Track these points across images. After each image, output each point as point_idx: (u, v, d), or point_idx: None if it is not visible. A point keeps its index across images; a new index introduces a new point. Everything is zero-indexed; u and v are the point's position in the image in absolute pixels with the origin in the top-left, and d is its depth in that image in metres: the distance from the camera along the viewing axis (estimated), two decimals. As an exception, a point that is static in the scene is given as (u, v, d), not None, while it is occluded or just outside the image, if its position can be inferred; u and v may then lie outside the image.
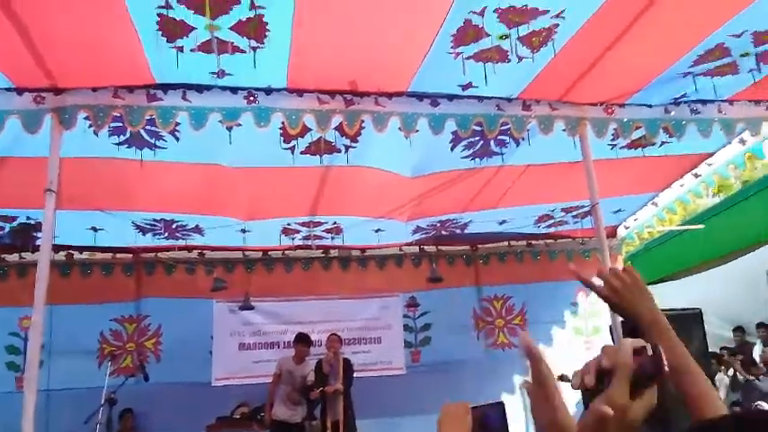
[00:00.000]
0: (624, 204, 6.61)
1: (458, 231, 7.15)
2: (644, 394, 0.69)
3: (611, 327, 4.16)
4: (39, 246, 4.29)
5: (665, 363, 0.69)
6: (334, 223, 6.49)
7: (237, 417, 6.71)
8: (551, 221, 6.95)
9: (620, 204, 6.57)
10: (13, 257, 6.81)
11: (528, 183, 5.56)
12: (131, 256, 7.20)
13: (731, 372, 7.12)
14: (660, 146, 5.08)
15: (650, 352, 0.69)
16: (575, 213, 6.64)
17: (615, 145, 5.03)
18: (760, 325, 7.30)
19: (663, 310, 4.14)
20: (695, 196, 6.15)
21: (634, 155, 5.24)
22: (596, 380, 0.72)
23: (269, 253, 7.56)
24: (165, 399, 6.80)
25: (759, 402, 6.28)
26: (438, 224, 6.83)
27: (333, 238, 6.92)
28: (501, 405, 1.48)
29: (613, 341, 4.11)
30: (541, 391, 0.77)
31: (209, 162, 4.82)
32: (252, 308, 7.17)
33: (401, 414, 7.29)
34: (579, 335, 7.95)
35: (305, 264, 7.81)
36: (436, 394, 7.39)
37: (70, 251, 6.94)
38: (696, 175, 5.94)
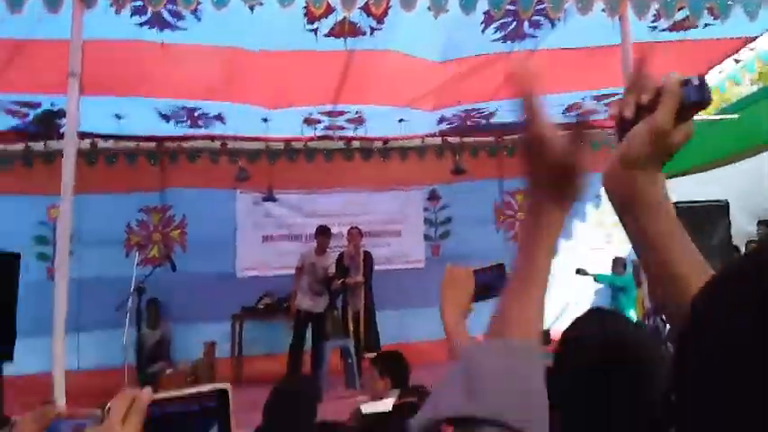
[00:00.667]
0: (660, 92, 6.36)
1: (483, 122, 6.99)
2: (686, 122, 0.70)
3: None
4: (63, 133, 4.28)
5: (710, 92, 0.70)
6: (357, 113, 6.36)
7: (262, 307, 6.95)
8: (581, 110, 6.74)
9: (654, 92, 6.32)
10: (39, 145, 6.79)
11: (560, 68, 5.32)
12: (155, 144, 7.17)
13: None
14: (703, 27, 4.80)
15: (696, 83, 0.69)
16: (607, 101, 6.41)
17: (655, 27, 4.76)
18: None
19: (689, 202, 4.05)
20: (733, 83, 5.89)
21: (673, 38, 4.97)
22: (635, 114, 0.72)
23: (291, 144, 7.50)
24: (192, 288, 7.01)
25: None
26: (463, 113, 6.66)
27: (355, 129, 6.82)
28: (501, 266, 1.47)
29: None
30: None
31: (230, 45, 4.66)
32: (275, 200, 7.22)
33: (420, 306, 7.49)
34: (600, 228, 7.95)
35: (327, 155, 7.77)
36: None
37: (95, 139, 6.92)
38: (737, 61, 5.66)
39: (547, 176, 0.71)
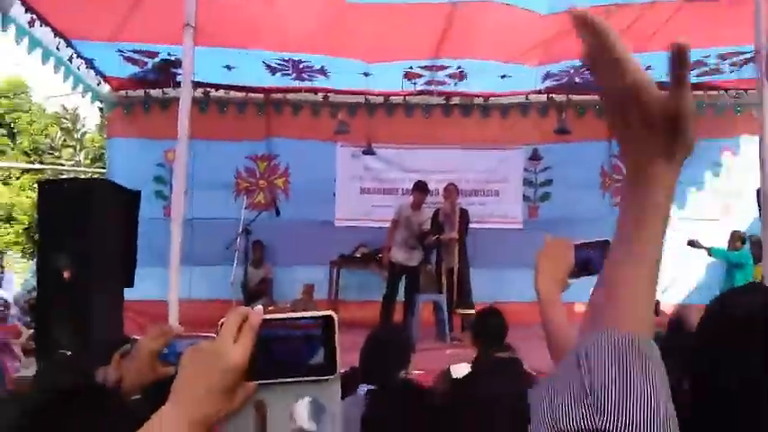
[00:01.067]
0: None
1: (592, 79, 6.60)
2: None
3: (758, 190, 3.76)
4: (179, 82, 4.55)
5: None
6: (459, 68, 6.23)
7: (358, 256, 7.13)
8: (703, 69, 6.20)
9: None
10: (157, 92, 7.28)
11: (682, 22, 4.90)
12: (262, 95, 7.46)
13: None
14: None
15: None
16: (733, 60, 5.85)
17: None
18: None
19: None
20: None
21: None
22: None
23: (390, 98, 7.52)
24: (294, 233, 7.36)
25: None
26: (571, 70, 6.34)
27: (456, 84, 6.71)
28: (606, 242, 1.38)
29: (759, 206, 3.76)
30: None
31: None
32: (373, 153, 7.31)
33: (513, 266, 7.37)
34: (718, 198, 7.39)
35: (425, 110, 7.71)
36: (552, 250, 7.33)
37: (207, 88, 7.30)
38: None
39: (648, 128, 0.58)
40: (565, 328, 1.26)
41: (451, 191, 6.41)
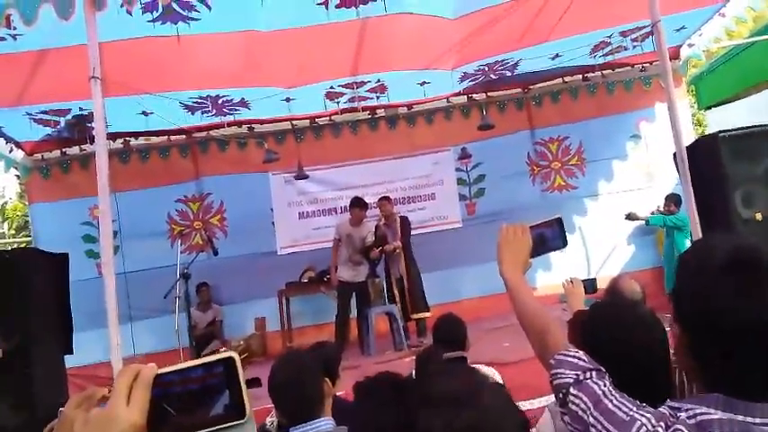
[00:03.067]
0: (687, 21, 6.06)
1: (507, 73, 6.82)
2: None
3: (675, 154, 3.96)
4: (94, 136, 4.38)
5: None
6: (378, 81, 6.28)
7: (306, 280, 7.06)
8: (608, 49, 6.49)
9: (683, 21, 6.03)
10: (74, 150, 7.01)
11: (583, 6, 5.12)
12: (185, 136, 7.30)
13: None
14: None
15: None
16: (634, 36, 6.16)
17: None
18: None
19: (731, 130, 3.85)
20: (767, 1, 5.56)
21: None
22: None
23: (316, 120, 7.50)
24: (237, 270, 7.23)
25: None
26: (486, 67, 6.50)
27: (378, 98, 6.74)
28: (559, 220, 1.47)
29: (678, 172, 3.95)
30: None
31: (244, 29, 4.66)
32: (306, 176, 7.26)
33: (459, 265, 7.51)
34: (642, 167, 7.74)
35: (352, 127, 7.75)
36: (493, 244, 7.43)
37: (126, 138, 7.10)
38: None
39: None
40: (538, 308, 1.32)
41: (384, 203, 6.45)
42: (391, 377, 1.70)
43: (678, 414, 0.93)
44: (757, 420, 0.88)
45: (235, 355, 0.63)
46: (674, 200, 6.65)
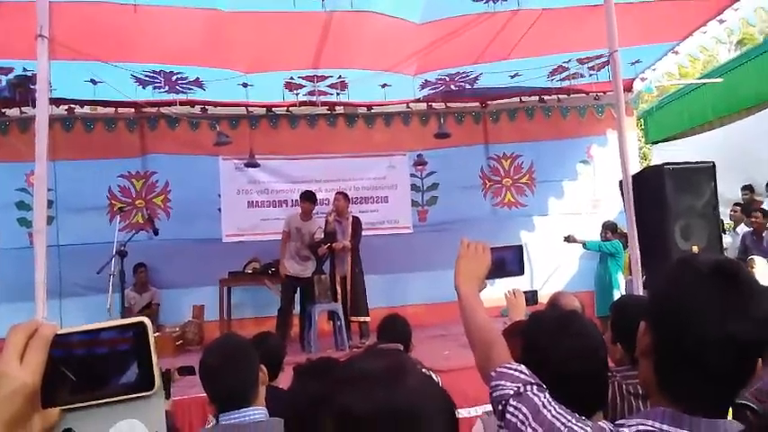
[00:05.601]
0: (642, 54, 6.29)
1: (467, 86, 6.90)
2: None
3: (620, 182, 4.08)
4: (37, 99, 4.17)
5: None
6: (339, 77, 6.25)
7: (249, 271, 6.92)
8: (565, 74, 6.66)
9: (639, 54, 6.25)
10: (14, 112, 6.66)
11: (543, 30, 5.24)
12: (134, 110, 7.05)
13: (741, 227, 7.09)
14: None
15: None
16: (591, 64, 6.33)
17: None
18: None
19: (676, 163, 4.00)
20: (718, 43, 5.83)
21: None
22: None
23: (273, 109, 7.39)
24: (178, 254, 7.03)
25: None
26: (447, 78, 6.56)
27: (338, 94, 6.70)
28: (519, 248, 1.50)
29: (623, 198, 4.07)
30: None
31: (205, 6, 4.55)
32: (257, 165, 7.13)
33: (407, 270, 7.54)
34: (588, 192, 7.95)
35: (310, 121, 7.68)
36: (442, 252, 7.51)
37: (71, 105, 6.80)
38: (721, 21, 5.60)
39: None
40: (487, 321, 1.33)
41: (340, 198, 6.40)
42: (331, 360, 1.66)
43: (621, 429, 0.94)
44: None
45: (146, 320, 0.59)
46: (610, 227, 6.90)
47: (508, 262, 1.49)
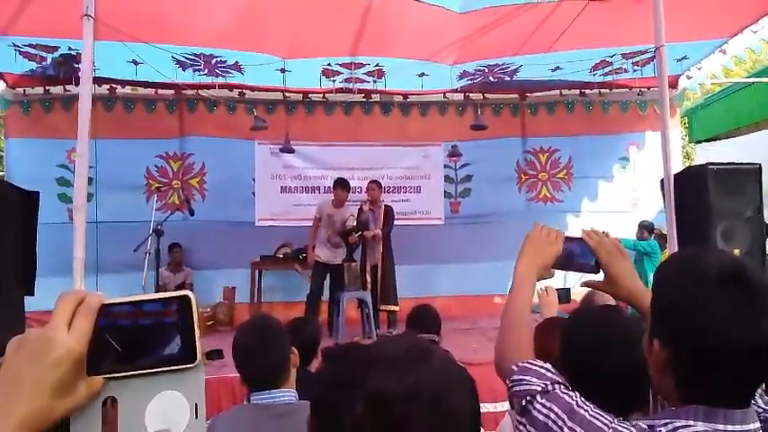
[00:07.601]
0: (689, 51, 6.08)
1: (506, 78, 6.78)
2: None
3: (662, 181, 3.96)
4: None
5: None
6: (377, 65, 6.22)
7: (280, 256, 6.98)
8: (608, 69, 6.49)
9: (686, 51, 6.05)
10: (58, 89, 6.83)
11: (588, 22, 5.10)
12: (173, 92, 7.15)
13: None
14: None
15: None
16: (635, 59, 6.15)
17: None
18: None
19: (720, 163, 3.82)
20: (766, 44, 5.60)
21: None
22: None
23: (309, 96, 7.40)
24: (212, 235, 7.13)
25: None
26: (486, 69, 6.47)
27: (375, 82, 6.67)
28: (583, 241, 1.40)
29: (664, 198, 3.95)
30: None
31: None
32: (292, 150, 7.17)
33: (437, 262, 7.50)
34: (627, 190, 7.77)
35: (346, 108, 7.67)
36: (473, 245, 7.52)
37: (113, 85, 6.93)
38: (773, 21, 5.37)
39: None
40: (526, 314, 1.26)
41: (374, 188, 6.39)
42: (360, 345, 1.66)
43: (656, 429, 0.91)
44: (737, 428, 0.89)
45: (190, 293, 0.59)
46: (647, 227, 6.77)
47: (584, 255, 1.35)
